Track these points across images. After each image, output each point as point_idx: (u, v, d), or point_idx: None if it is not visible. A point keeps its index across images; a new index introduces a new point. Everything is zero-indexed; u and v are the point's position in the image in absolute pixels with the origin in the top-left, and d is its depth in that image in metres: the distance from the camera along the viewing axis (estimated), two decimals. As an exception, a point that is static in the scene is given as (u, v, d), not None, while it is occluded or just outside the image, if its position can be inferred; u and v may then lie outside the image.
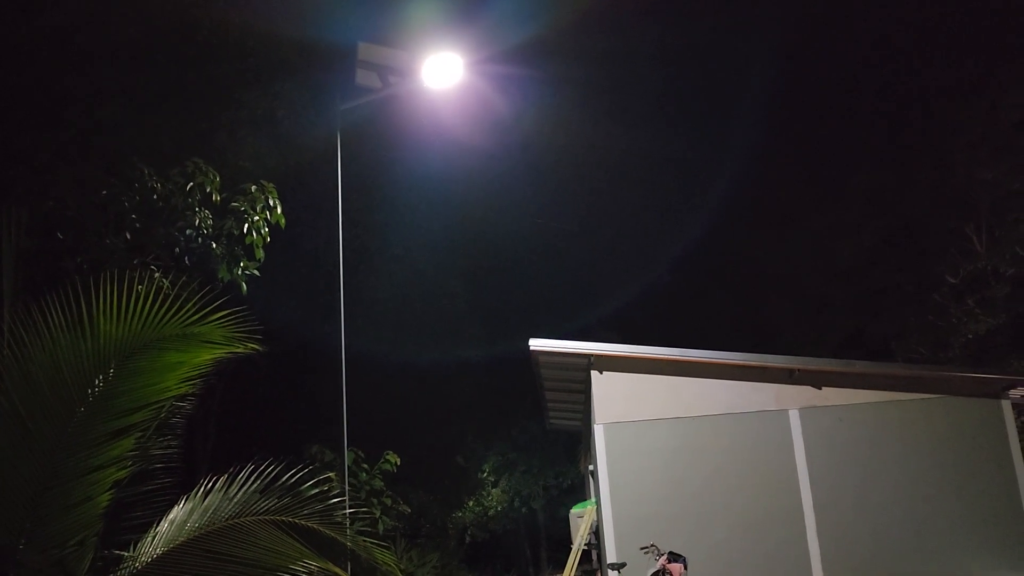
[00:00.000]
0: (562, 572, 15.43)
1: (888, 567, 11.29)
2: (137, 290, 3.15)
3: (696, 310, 26.15)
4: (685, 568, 10.36)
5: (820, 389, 12.32)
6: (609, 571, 11.44)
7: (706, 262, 26.94)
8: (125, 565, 3.44)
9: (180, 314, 3.21)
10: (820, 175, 22.59)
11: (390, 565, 4.00)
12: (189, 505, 3.75)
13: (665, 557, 10.48)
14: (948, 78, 18.94)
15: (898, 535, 11.67)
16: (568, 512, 18.19)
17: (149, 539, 3.56)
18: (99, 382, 3.14)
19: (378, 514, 12.84)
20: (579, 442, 21.73)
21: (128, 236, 5.93)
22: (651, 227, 28.15)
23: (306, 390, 17.36)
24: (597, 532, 14.50)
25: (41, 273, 5.28)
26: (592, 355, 12.62)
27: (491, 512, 26.98)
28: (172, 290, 3.27)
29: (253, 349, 3.31)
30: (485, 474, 27.17)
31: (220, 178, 6.69)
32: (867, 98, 22.07)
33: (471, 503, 26.94)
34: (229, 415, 17.47)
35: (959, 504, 11.73)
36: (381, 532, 12.37)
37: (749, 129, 26.84)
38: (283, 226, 6.94)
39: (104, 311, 3.12)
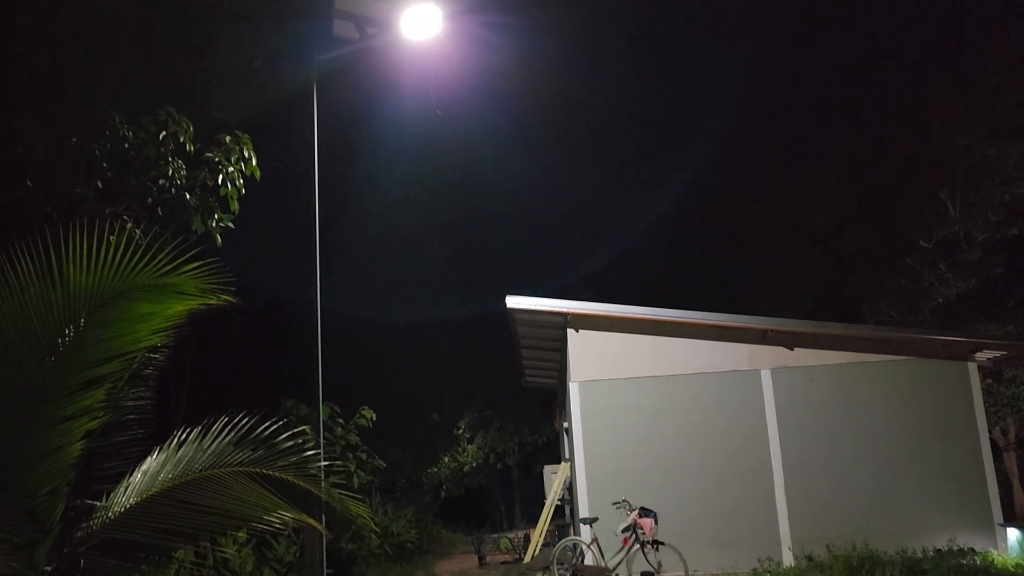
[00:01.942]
0: (535, 527, 15.66)
1: (852, 524, 11.57)
2: (108, 240, 3.09)
3: (672, 270, 26.29)
4: (656, 523, 10.57)
5: (792, 350, 12.49)
6: (581, 525, 11.64)
7: (682, 223, 27.04)
8: (98, 515, 3.43)
9: (152, 264, 3.15)
10: (797, 138, 22.59)
11: (364, 517, 4.02)
12: (163, 456, 3.73)
13: (636, 512, 10.68)
14: (926, 42, 18.91)
15: (863, 493, 11.96)
16: (542, 468, 18.45)
17: (122, 489, 3.54)
18: (69, 332, 3.09)
19: (353, 468, 12.91)
20: (554, 400, 21.95)
21: (99, 185, 5.82)
22: (630, 186, 28.18)
23: (281, 346, 17.30)
24: (570, 488, 14.72)
25: (9, 221, 5.17)
26: (568, 313, 12.68)
27: (466, 468, 27.25)
28: (144, 241, 3.21)
29: (227, 301, 3.27)
30: (461, 431, 27.38)
31: (194, 128, 6.56)
32: (845, 61, 22.01)
33: (446, 459, 27.17)
34: (203, 370, 17.40)
35: (923, 463, 12.02)
36: (356, 486, 12.45)
37: (727, 92, 26.84)
38: (258, 178, 6.83)
39: (74, 260, 3.06)
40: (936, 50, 18.50)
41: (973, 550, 11.14)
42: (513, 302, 12.55)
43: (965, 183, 17.55)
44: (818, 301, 21.20)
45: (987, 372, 14.30)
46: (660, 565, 10.41)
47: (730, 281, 24.61)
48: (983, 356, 12.79)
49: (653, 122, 27.23)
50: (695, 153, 26.94)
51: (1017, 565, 10.25)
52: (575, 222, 28.43)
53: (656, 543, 10.38)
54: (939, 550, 11.02)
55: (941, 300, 17.32)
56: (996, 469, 12.39)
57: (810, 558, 11.03)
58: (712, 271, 25.53)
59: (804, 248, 21.33)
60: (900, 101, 19.64)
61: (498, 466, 27.85)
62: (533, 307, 12.61)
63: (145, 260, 3.14)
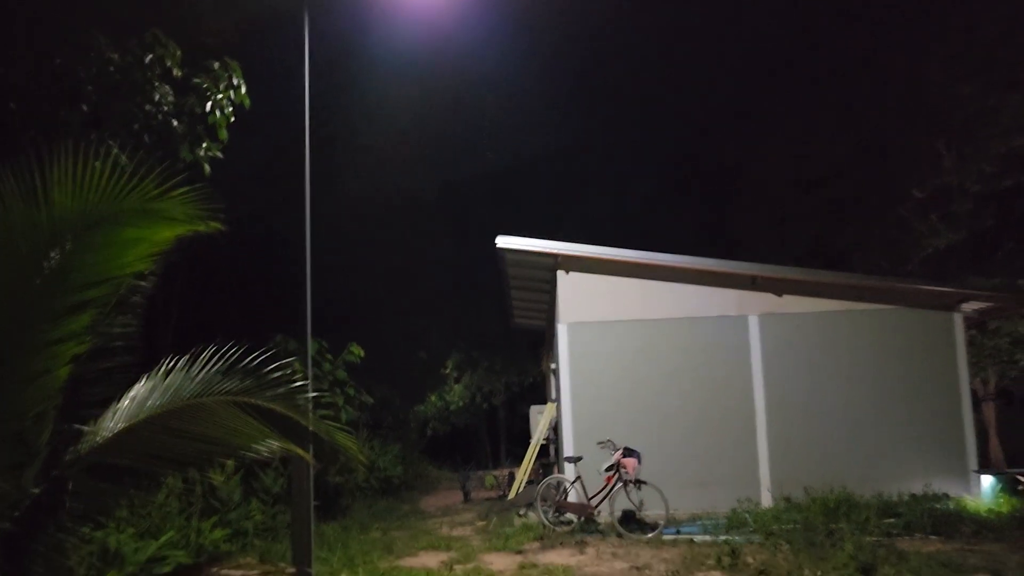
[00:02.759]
0: (520, 466, 15.88)
1: (831, 468, 11.79)
2: (94, 164, 3.02)
3: (662, 215, 26.21)
4: (639, 463, 10.74)
5: (781, 296, 12.54)
6: (566, 464, 11.81)
7: (674, 167, 26.87)
8: (85, 439, 3.43)
9: (139, 188, 3.09)
10: (794, 83, 22.32)
11: (352, 448, 4.05)
12: (150, 383, 3.72)
13: (620, 452, 10.83)
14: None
15: (843, 438, 12.16)
16: (529, 409, 18.64)
17: (110, 415, 3.54)
18: (55, 255, 3.04)
19: (341, 403, 13.01)
20: (542, 342, 22.06)
21: (84, 109, 5.67)
22: (623, 130, 27.88)
23: (271, 280, 17.25)
24: (556, 428, 14.89)
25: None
26: (559, 255, 12.65)
27: (453, 407, 27.54)
28: (131, 166, 3.13)
29: (215, 228, 3.22)
30: (448, 370, 27.59)
31: (181, 54, 6.38)
32: (847, 6, 21.61)
33: (433, 397, 27.44)
34: (192, 302, 17.38)
35: (904, 411, 12.20)
36: (344, 421, 12.57)
37: (726, 34, 26.36)
38: (247, 106, 6.68)
39: (59, 182, 3.00)
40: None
41: (947, 495, 11.39)
42: (504, 242, 12.51)
43: (962, 133, 17.42)
44: (808, 249, 21.20)
45: (972, 323, 14.43)
46: (642, 503, 10.61)
47: (721, 227, 24.58)
48: (969, 307, 12.88)
49: (648, 63, 26.79)
50: (690, 96, 26.63)
51: (989, 510, 10.50)
52: (568, 164, 28.18)
53: (639, 482, 10.55)
54: (914, 495, 11.26)
55: (931, 251, 17.36)
56: (975, 419, 12.60)
57: (788, 500, 11.25)
58: (703, 216, 25.48)
59: (796, 195, 21.24)
60: (901, 48, 19.35)
61: (484, 406, 28.16)
62: (524, 247, 12.57)
63: (132, 184, 3.07)
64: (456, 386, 27.67)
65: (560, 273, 12.79)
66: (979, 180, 17.02)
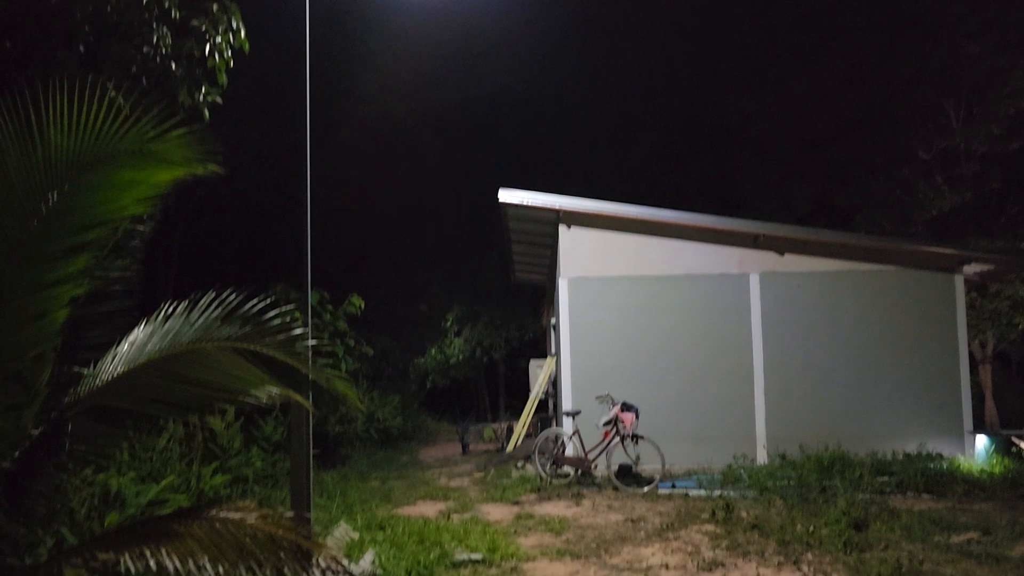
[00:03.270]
0: (518, 420, 16.01)
1: (827, 426, 11.90)
2: (91, 104, 2.97)
3: (665, 172, 26.02)
4: (637, 418, 10.82)
5: (782, 255, 12.52)
6: (564, 417, 11.91)
7: (678, 123, 26.58)
8: (85, 382, 3.43)
9: (137, 129, 3.05)
10: (801, 39, 21.88)
11: (351, 395, 4.05)
12: (149, 328, 3.70)
13: (619, 407, 10.91)
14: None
15: (840, 397, 12.25)
16: (528, 363, 18.73)
17: (109, 358, 3.53)
18: (52, 196, 3.01)
19: (341, 354, 13.07)
20: (543, 297, 22.09)
21: (81, 49, 5.58)
22: (626, 85, 27.53)
23: (271, 230, 17.21)
24: (555, 382, 14.98)
25: (-15, 82, 4.98)
26: (561, 210, 12.60)
27: (452, 360, 27.67)
28: (128, 109, 3.08)
29: (213, 170, 3.17)
30: (448, 323, 27.67)
31: (179, -6, 6.25)
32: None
33: (433, 351, 27.56)
34: (192, 252, 17.37)
35: (901, 371, 12.27)
36: (344, 372, 12.63)
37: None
38: (247, 51, 6.57)
39: (55, 122, 2.96)
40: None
41: (941, 455, 11.50)
42: (506, 196, 12.44)
43: (970, 94, 17.23)
44: (811, 208, 21.09)
45: (972, 286, 14.44)
46: (638, 458, 10.72)
47: (724, 184, 24.41)
48: (971, 269, 12.87)
49: (653, 18, 26.34)
50: (695, 52, 26.22)
51: (982, 471, 10.61)
52: (571, 120, 27.88)
53: (636, 437, 10.65)
54: (908, 454, 11.37)
55: (935, 213, 17.28)
56: (971, 381, 12.67)
57: (783, 457, 11.36)
58: (706, 173, 25.27)
59: (801, 154, 21.06)
60: (910, 6, 19.01)
61: (484, 360, 28.29)
62: (526, 202, 12.50)
63: (128, 125, 3.03)
64: (456, 339, 27.77)
65: (562, 228, 12.75)
66: (986, 141, 16.88)
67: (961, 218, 17.50)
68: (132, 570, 2.99)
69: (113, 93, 4.31)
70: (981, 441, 11.91)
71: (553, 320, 15.22)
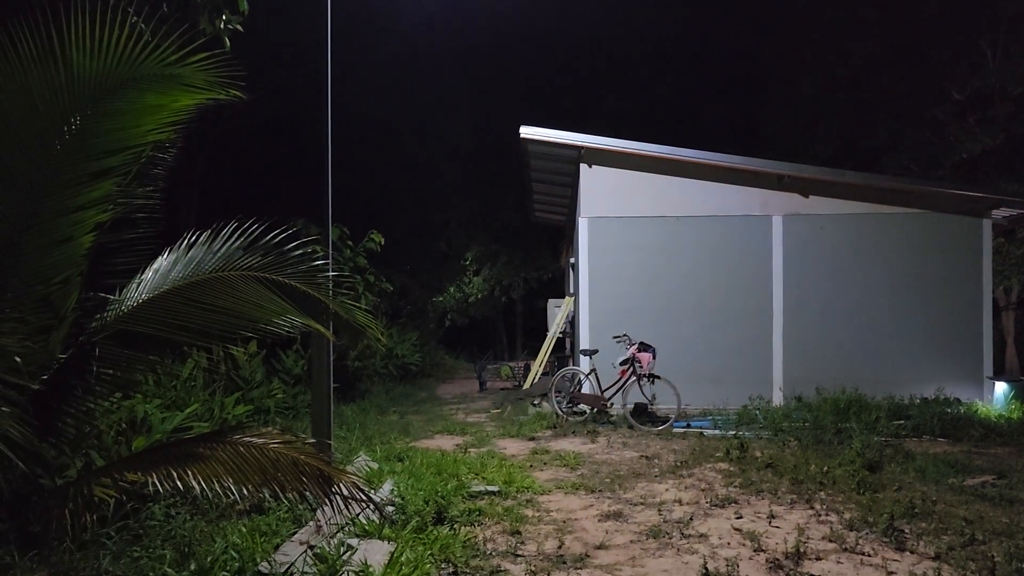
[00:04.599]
0: (535, 359, 16.14)
1: (844, 369, 11.91)
2: (113, 28, 2.94)
3: (690, 110, 25.55)
4: (653, 358, 10.86)
5: (807, 197, 12.35)
6: (581, 356, 11.98)
7: (704, 60, 26.00)
8: (111, 308, 3.48)
9: (158, 54, 3.02)
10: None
11: (371, 326, 4.09)
12: (173, 256, 3.74)
13: (636, 346, 10.94)
14: None
15: (859, 341, 12.21)
16: (546, 302, 18.80)
17: (134, 285, 3.58)
18: (75, 120, 3.00)
19: (361, 289, 13.16)
20: (562, 238, 22.02)
21: (101, -27, 5.49)
22: (651, 22, 26.83)
23: (293, 165, 17.16)
24: (572, 321, 15.04)
25: (6, 3, 4.91)
26: (582, 147, 12.45)
27: (471, 299, 27.82)
28: (149, 34, 3.05)
29: (235, 96, 3.14)
30: (468, 262, 27.72)
31: (198, -80, 6.13)
32: None
33: (452, 289, 27.69)
34: (213, 183, 17.39)
35: (923, 316, 12.19)
36: (364, 307, 12.73)
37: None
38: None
39: (77, 44, 2.93)
40: None
41: (959, 400, 11.49)
42: (527, 132, 12.31)
43: (1008, 33, 16.67)
44: (838, 149, 20.69)
45: (1000, 231, 14.20)
46: (654, 398, 10.79)
47: (749, 123, 23.96)
48: (1000, 214, 12.64)
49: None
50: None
51: (1000, 416, 10.60)
52: (594, 59, 27.30)
53: (652, 377, 10.70)
54: (925, 399, 11.36)
55: (965, 156, 16.92)
56: (993, 328, 12.57)
57: (799, 399, 11.40)
58: (732, 112, 24.80)
59: (829, 94, 20.57)
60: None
61: (503, 299, 28.43)
62: (547, 139, 12.37)
63: (150, 49, 3.00)
64: (475, 278, 27.86)
65: (583, 166, 12.62)
66: (1022, 82, 16.40)
67: (991, 161, 17.13)
68: (160, 490, 3.08)
69: (135, 18, 4.26)
70: (1001, 387, 11.87)
71: (572, 260, 15.20)
